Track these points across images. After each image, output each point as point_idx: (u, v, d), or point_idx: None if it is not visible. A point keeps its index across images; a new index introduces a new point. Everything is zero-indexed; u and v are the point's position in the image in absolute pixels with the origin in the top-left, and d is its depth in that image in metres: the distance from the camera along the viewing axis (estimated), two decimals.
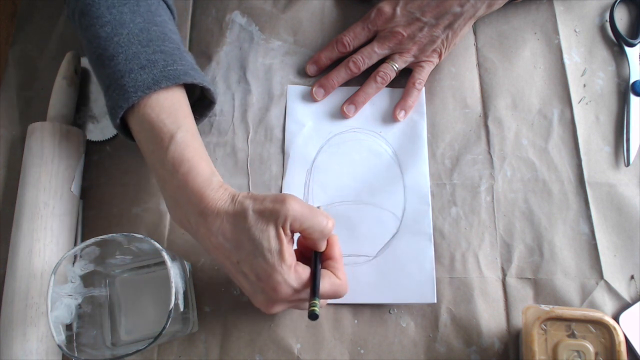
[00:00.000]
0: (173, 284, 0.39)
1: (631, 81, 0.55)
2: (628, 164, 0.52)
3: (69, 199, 0.49)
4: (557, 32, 0.57)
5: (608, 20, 0.57)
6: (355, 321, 0.48)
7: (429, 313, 0.48)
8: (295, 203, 0.39)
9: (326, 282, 0.41)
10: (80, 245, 0.40)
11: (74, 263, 0.42)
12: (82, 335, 0.42)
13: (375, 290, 0.48)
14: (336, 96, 0.55)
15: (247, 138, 0.54)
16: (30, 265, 0.45)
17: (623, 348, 0.40)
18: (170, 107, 0.43)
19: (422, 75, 0.54)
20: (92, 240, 0.40)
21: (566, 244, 0.50)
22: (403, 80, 0.55)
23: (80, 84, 0.55)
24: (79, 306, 0.43)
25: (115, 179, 0.53)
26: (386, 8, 0.53)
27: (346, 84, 0.55)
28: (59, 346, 0.38)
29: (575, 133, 0.53)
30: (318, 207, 0.47)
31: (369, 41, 0.55)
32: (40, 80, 0.56)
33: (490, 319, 0.48)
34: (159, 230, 0.51)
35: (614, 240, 0.50)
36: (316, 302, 0.38)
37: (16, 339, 0.43)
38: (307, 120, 0.54)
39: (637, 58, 0.55)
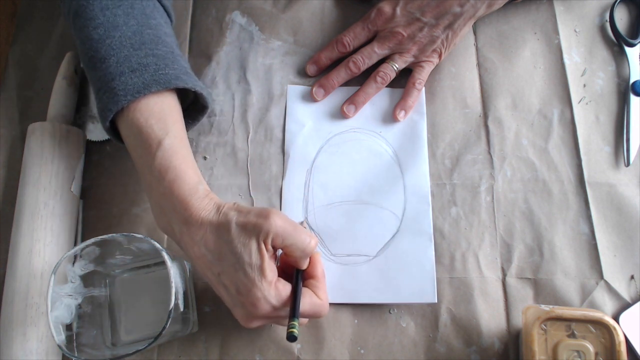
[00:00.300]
0: (173, 284, 0.39)
1: (631, 81, 0.55)
2: (628, 164, 0.52)
3: (69, 199, 0.49)
4: (557, 32, 0.57)
5: (608, 20, 0.57)
6: (355, 321, 0.48)
7: (429, 313, 0.48)
8: (278, 219, 0.39)
9: (306, 302, 0.40)
10: (80, 245, 0.40)
11: (74, 263, 0.42)
12: (82, 335, 0.42)
13: (375, 290, 0.48)
14: (336, 96, 0.55)
15: (247, 138, 0.54)
16: (30, 265, 0.45)
17: (623, 348, 0.40)
18: (159, 112, 0.42)
19: (422, 75, 0.54)
20: (92, 240, 0.40)
21: (566, 244, 0.50)
22: (403, 80, 0.55)
23: (80, 84, 0.55)
24: (79, 306, 0.43)
25: (115, 179, 0.53)
26: (386, 8, 0.53)
27: (346, 84, 0.55)
28: (59, 346, 0.38)
29: (575, 133, 0.53)
30: (302, 223, 0.47)
31: (369, 41, 0.55)
32: (40, 80, 0.56)
33: (490, 319, 0.48)
34: (159, 230, 0.50)
35: (614, 240, 0.50)
36: (295, 323, 0.38)
37: (16, 339, 0.43)
38: (307, 120, 0.54)
39: (637, 58, 0.55)
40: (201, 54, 0.57)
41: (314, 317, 0.42)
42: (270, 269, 0.39)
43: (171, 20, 0.51)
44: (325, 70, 0.56)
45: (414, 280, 0.48)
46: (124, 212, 0.51)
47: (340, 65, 0.54)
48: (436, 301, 0.47)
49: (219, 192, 0.51)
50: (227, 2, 0.59)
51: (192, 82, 0.45)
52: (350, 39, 0.54)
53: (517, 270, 0.49)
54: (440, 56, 0.54)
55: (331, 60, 0.56)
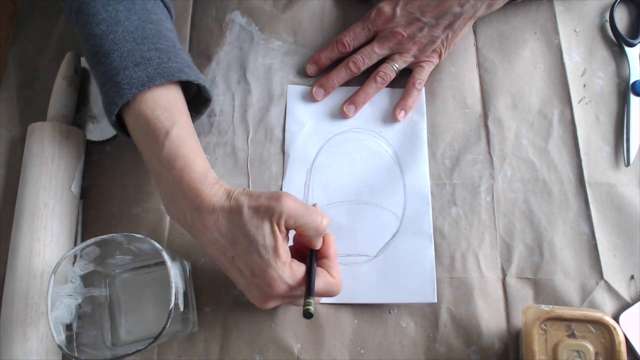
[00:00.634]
0: (173, 284, 0.39)
1: (631, 81, 0.55)
2: (628, 164, 0.52)
3: (69, 199, 0.49)
4: (557, 32, 0.57)
5: (608, 20, 0.57)
6: (355, 321, 0.48)
7: (429, 313, 0.48)
8: (290, 200, 0.39)
9: (321, 281, 0.41)
10: (80, 245, 0.40)
11: (74, 263, 0.42)
12: (82, 335, 0.42)
13: (375, 290, 0.48)
14: (336, 96, 0.55)
15: (247, 138, 0.54)
16: (30, 265, 0.45)
17: (623, 348, 0.40)
18: (165, 103, 0.43)
19: (422, 76, 0.54)
20: (92, 240, 0.40)
21: (566, 244, 0.50)
22: (403, 80, 0.55)
23: (80, 84, 0.55)
24: (79, 306, 0.43)
25: (115, 179, 0.53)
26: (386, 8, 0.53)
27: (346, 84, 0.55)
28: (59, 346, 0.38)
29: (575, 133, 0.53)
30: (314, 205, 0.47)
31: (369, 41, 0.55)
32: (40, 80, 0.56)
33: (490, 319, 0.48)
34: (159, 230, 0.51)
35: (614, 240, 0.50)
36: (311, 300, 0.38)
37: (16, 339, 0.43)
38: (307, 120, 0.54)
39: (637, 58, 0.55)
40: (201, 54, 0.57)
41: (328, 295, 0.42)
42: (284, 249, 0.39)
43: (171, 16, 0.51)
44: (325, 70, 0.56)
45: (414, 280, 0.48)
46: (124, 212, 0.51)
47: (340, 65, 0.54)
48: (436, 301, 0.47)
49: None
50: (227, 2, 0.59)
51: (195, 75, 0.45)
52: (350, 39, 0.54)
53: (517, 270, 0.49)
54: (440, 56, 0.54)
55: (331, 60, 0.56)
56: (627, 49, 0.56)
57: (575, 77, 0.55)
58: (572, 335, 0.41)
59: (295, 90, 0.56)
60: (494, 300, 0.48)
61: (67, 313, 0.41)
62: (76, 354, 0.39)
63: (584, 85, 0.55)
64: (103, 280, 0.46)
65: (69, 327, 0.41)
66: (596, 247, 0.49)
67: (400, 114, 0.54)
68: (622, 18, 0.58)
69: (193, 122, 0.45)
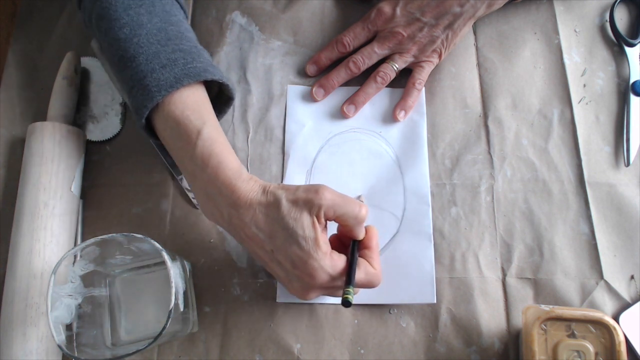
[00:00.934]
0: (173, 284, 0.39)
1: (631, 81, 0.55)
2: (628, 164, 0.52)
3: (69, 199, 0.49)
4: (557, 32, 0.57)
5: (608, 20, 0.57)
6: (355, 321, 0.48)
7: (429, 313, 0.48)
8: (327, 192, 0.40)
9: (362, 271, 0.41)
10: (80, 245, 0.40)
11: (74, 263, 0.42)
12: (82, 335, 0.42)
13: (375, 291, 0.48)
14: (336, 96, 0.55)
15: (247, 138, 0.54)
16: (30, 265, 0.45)
17: (623, 348, 0.40)
18: (193, 103, 0.43)
19: (422, 76, 0.54)
20: (92, 240, 0.40)
21: (566, 244, 0.50)
22: (403, 80, 0.55)
23: (80, 84, 0.55)
24: (79, 306, 0.43)
25: (115, 179, 0.53)
26: (386, 8, 0.53)
27: (346, 84, 0.55)
28: (59, 346, 0.38)
29: (575, 133, 0.53)
30: (359, 196, 0.49)
31: (369, 41, 0.55)
32: (40, 80, 0.56)
33: (490, 319, 0.48)
34: (159, 230, 0.51)
35: (614, 240, 0.50)
36: (350, 289, 0.39)
37: (16, 339, 0.43)
38: (307, 120, 0.54)
39: (637, 58, 0.55)
40: None
41: (368, 286, 0.43)
42: (324, 240, 0.40)
43: (187, 16, 0.52)
44: (325, 70, 0.56)
45: (413, 281, 0.48)
46: (124, 212, 0.51)
47: (340, 65, 0.54)
48: (435, 302, 0.47)
49: None
50: (227, 3, 0.59)
51: (219, 74, 0.46)
52: (350, 39, 0.54)
53: (517, 270, 0.49)
54: (440, 56, 0.54)
55: (331, 61, 0.56)
56: (627, 49, 0.56)
57: (575, 77, 0.55)
58: (572, 335, 0.41)
59: (295, 90, 0.56)
60: (494, 300, 0.48)
61: (67, 313, 0.41)
62: (76, 354, 0.39)
63: (584, 85, 0.55)
64: (103, 280, 0.46)
65: (69, 327, 0.41)
66: (596, 247, 0.49)
67: (400, 114, 0.54)
68: (622, 18, 0.58)
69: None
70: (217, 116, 0.47)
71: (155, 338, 0.38)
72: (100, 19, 0.45)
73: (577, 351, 0.41)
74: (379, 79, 0.53)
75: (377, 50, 0.53)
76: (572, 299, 0.48)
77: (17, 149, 0.53)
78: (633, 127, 0.53)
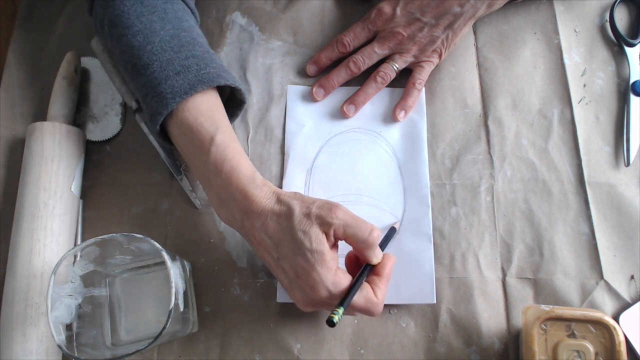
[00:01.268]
0: (173, 284, 0.39)
1: (631, 81, 0.55)
2: (628, 164, 0.52)
3: (69, 199, 0.49)
4: (557, 32, 0.57)
5: (608, 20, 0.57)
6: (355, 321, 0.48)
7: (429, 313, 0.48)
8: (340, 211, 0.40)
9: (362, 296, 0.41)
10: (80, 245, 0.40)
11: (74, 263, 0.42)
12: (82, 335, 0.42)
13: None
14: (336, 96, 0.55)
15: (247, 138, 0.54)
16: (30, 265, 0.45)
17: (623, 348, 0.40)
18: (207, 109, 0.44)
19: (422, 76, 0.54)
20: (92, 240, 0.40)
21: (566, 244, 0.50)
22: (403, 80, 0.55)
23: (80, 84, 0.55)
24: (79, 306, 0.43)
25: (115, 179, 0.53)
26: (386, 8, 0.53)
27: (346, 84, 0.55)
28: (59, 346, 0.38)
29: (575, 133, 0.53)
30: (395, 222, 0.49)
31: (369, 41, 0.55)
32: (40, 80, 0.56)
33: (490, 319, 0.48)
34: (159, 230, 0.51)
35: (614, 240, 0.50)
36: (339, 310, 0.38)
37: (16, 339, 0.43)
38: (307, 120, 0.54)
39: (637, 58, 0.55)
40: None
41: (365, 313, 0.42)
42: (331, 256, 0.40)
43: (197, 21, 0.52)
44: (325, 70, 0.56)
45: (413, 281, 0.48)
46: (124, 212, 0.51)
47: (341, 65, 0.54)
48: (435, 302, 0.47)
49: None
50: (228, 3, 0.59)
51: (231, 79, 0.46)
52: (350, 39, 0.54)
53: (517, 270, 0.49)
54: (440, 56, 0.54)
55: (331, 60, 0.56)
56: (627, 49, 0.56)
57: (575, 77, 0.55)
58: (572, 335, 0.41)
59: (295, 90, 0.56)
60: (494, 300, 0.48)
61: (67, 313, 0.41)
62: (76, 354, 0.39)
63: (584, 85, 0.55)
64: (103, 280, 0.46)
65: (69, 327, 0.41)
66: (596, 247, 0.49)
67: (400, 114, 0.54)
68: (622, 18, 0.58)
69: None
70: (230, 119, 0.47)
71: (155, 338, 0.38)
72: (112, 26, 0.45)
73: (577, 351, 0.41)
74: (379, 79, 0.53)
75: (377, 50, 0.53)
76: (572, 299, 0.48)
77: (17, 149, 0.53)
78: (633, 127, 0.53)
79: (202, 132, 0.43)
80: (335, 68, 0.55)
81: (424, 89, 0.55)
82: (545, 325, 0.41)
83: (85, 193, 0.52)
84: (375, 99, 0.55)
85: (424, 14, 0.52)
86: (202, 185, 0.45)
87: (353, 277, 0.41)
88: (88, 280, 0.44)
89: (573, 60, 0.56)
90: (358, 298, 0.40)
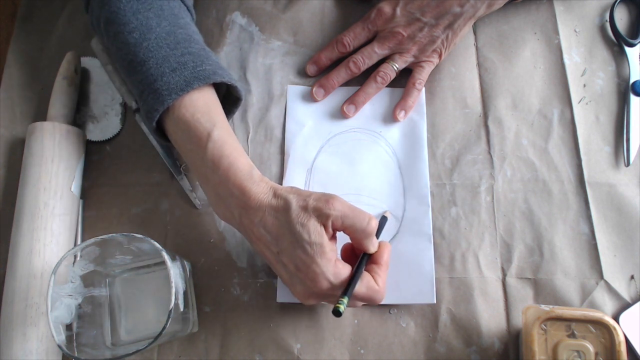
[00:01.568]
0: (173, 284, 0.39)
1: (631, 81, 0.55)
2: (628, 164, 0.52)
3: (69, 199, 0.49)
4: (557, 32, 0.57)
5: (608, 20, 0.57)
6: (355, 321, 0.48)
7: (429, 313, 0.48)
8: (338, 202, 0.41)
9: (363, 285, 0.41)
10: (80, 245, 0.40)
11: (74, 263, 0.42)
12: (82, 335, 0.42)
13: None
14: (336, 96, 0.55)
15: (247, 138, 0.54)
16: (30, 265, 0.45)
17: (623, 348, 0.40)
18: (203, 106, 0.44)
19: (422, 76, 0.54)
20: (92, 240, 0.40)
21: (566, 244, 0.50)
22: (403, 80, 0.55)
23: (80, 84, 0.55)
24: (79, 306, 0.43)
25: (115, 179, 0.53)
26: (386, 8, 0.53)
27: (346, 84, 0.55)
28: (59, 346, 0.38)
29: (575, 133, 0.53)
30: (385, 211, 0.49)
31: (369, 41, 0.55)
32: (40, 80, 0.56)
33: (490, 319, 0.48)
34: (159, 230, 0.51)
35: (614, 240, 0.50)
36: (344, 300, 0.39)
37: (16, 339, 0.43)
38: (307, 120, 0.54)
39: (637, 58, 0.55)
40: None
41: (368, 301, 0.43)
42: (330, 247, 0.40)
43: (193, 19, 0.52)
44: (326, 70, 0.56)
45: (413, 281, 0.48)
46: (124, 212, 0.51)
47: (341, 65, 0.54)
48: (435, 302, 0.47)
49: None
50: (228, 3, 0.59)
51: (228, 76, 0.46)
52: (350, 39, 0.54)
53: (517, 270, 0.49)
54: (440, 56, 0.54)
55: (331, 61, 0.56)
56: (627, 49, 0.56)
57: (575, 77, 0.55)
58: (572, 335, 0.41)
59: (295, 90, 0.56)
60: (494, 300, 0.48)
61: (67, 313, 0.41)
62: (76, 354, 0.39)
63: (584, 85, 0.55)
64: (103, 280, 0.46)
65: (69, 327, 0.41)
66: (596, 247, 0.49)
67: (400, 114, 0.54)
68: (622, 18, 0.58)
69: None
70: (227, 117, 0.47)
71: (155, 338, 0.38)
72: (108, 23, 0.45)
73: (577, 351, 0.41)
74: (379, 79, 0.53)
75: (377, 50, 0.53)
76: (572, 299, 0.48)
77: (17, 149, 0.53)
78: (633, 127, 0.53)
79: (199, 128, 0.43)
80: (335, 68, 0.55)
81: (424, 89, 0.55)
82: (545, 325, 0.41)
83: (85, 193, 0.52)
84: (375, 99, 0.55)
85: (424, 14, 0.52)
86: (199, 182, 0.45)
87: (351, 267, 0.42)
88: (88, 280, 0.44)
89: (573, 60, 0.56)
90: (360, 287, 0.41)
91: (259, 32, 0.58)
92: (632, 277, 0.49)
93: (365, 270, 0.43)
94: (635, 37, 0.56)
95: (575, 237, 0.50)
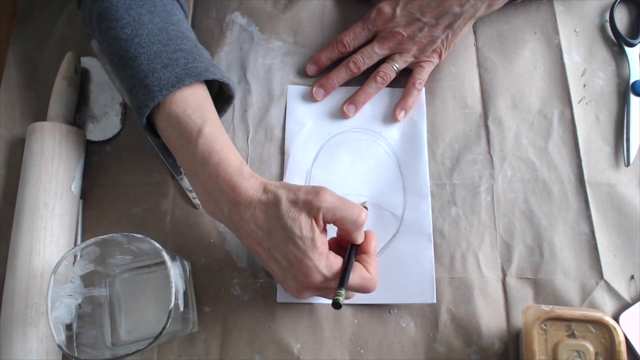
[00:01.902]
0: (173, 284, 0.39)
1: (631, 81, 0.55)
2: (628, 164, 0.52)
3: (69, 199, 0.49)
4: (557, 32, 0.57)
5: (608, 20, 0.57)
6: (355, 321, 0.48)
7: (429, 313, 0.48)
8: (328, 195, 0.40)
9: (356, 275, 0.41)
10: (80, 245, 0.40)
11: (74, 263, 0.42)
12: (82, 335, 0.42)
13: (375, 290, 0.48)
14: (336, 96, 0.55)
15: (247, 138, 0.54)
16: (30, 265, 0.45)
17: (623, 348, 0.40)
18: (195, 102, 0.43)
19: (422, 76, 0.54)
20: (92, 240, 0.40)
21: (566, 244, 0.50)
22: (403, 80, 0.55)
23: (80, 84, 0.55)
24: (79, 306, 0.43)
25: (115, 179, 0.53)
26: (386, 8, 0.53)
27: (346, 84, 0.55)
28: (59, 346, 0.38)
29: (575, 133, 0.53)
30: (364, 202, 0.49)
31: (369, 41, 0.55)
32: (40, 80, 0.56)
33: (490, 319, 0.48)
34: (159, 230, 0.51)
35: (614, 240, 0.50)
36: (342, 292, 0.39)
37: (16, 339, 0.43)
38: (307, 120, 0.54)
39: (637, 58, 0.55)
40: None
41: (362, 290, 0.43)
42: (321, 241, 0.40)
43: (186, 16, 0.52)
44: (326, 71, 0.56)
45: (413, 281, 0.48)
46: (124, 212, 0.51)
47: (341, 65, 0.54)
48: (435, 302, 0.47)
49: None
50: (228, 3, 0.59)
51: (220, 74, 0.46)
52: (350, 39, 0.54)
53: (517, 270, 0.49)
54: (440, 56, 0.54)
55: (331, 61, 0.56)
56: (627, 49, 0.56)
57: (575, 77, 0.55)
58: (572, 335, 0.41)
59: (295, 90, 0.56)
60: (494, 300, 0.48)
61: (67, 313, 0.41)
62: (76, 354, 0.39)
63: (584, 85, 0.55)
64: (103, 280, 0.46)
65: (69, 327, 0.41)
66: (596, 247, 0.49)
67: (400, 114, 0.54)
68: (622, 18, 0.58)
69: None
70: (219, 114, 0.47)
71: (155, 338, 0.38)
72: (100, 19, 0.45)
73: (577, 351, 0.41)
74: (379, 79, 0.53)
75: (377, 50, 0.53)
76: (572, 299, 0.48)
77: (17, 149, 0.53)
78: (633, 127, 0.53)
79: (189, 124, 0.42)
80: (335, 68, 0.55)
81: (424, 89, 0.55)
82: (545, 325, 0.41)
83: (85, 193, 0.52)
84: (375, 99, 0.55)
85: (424, 14, 0.52)
86: (188, 178, 0.45)
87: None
88: (88, 280, 0.44)
89: (573, 60, 0.56)
90: (354, 277, 0.41)
91: (259, 32, 0.58)
92: (632, 277, 0.49)
93: (356, 260, 0.43)
94: (635, 37, 0.56)
95: (575, 237, 0.50)
